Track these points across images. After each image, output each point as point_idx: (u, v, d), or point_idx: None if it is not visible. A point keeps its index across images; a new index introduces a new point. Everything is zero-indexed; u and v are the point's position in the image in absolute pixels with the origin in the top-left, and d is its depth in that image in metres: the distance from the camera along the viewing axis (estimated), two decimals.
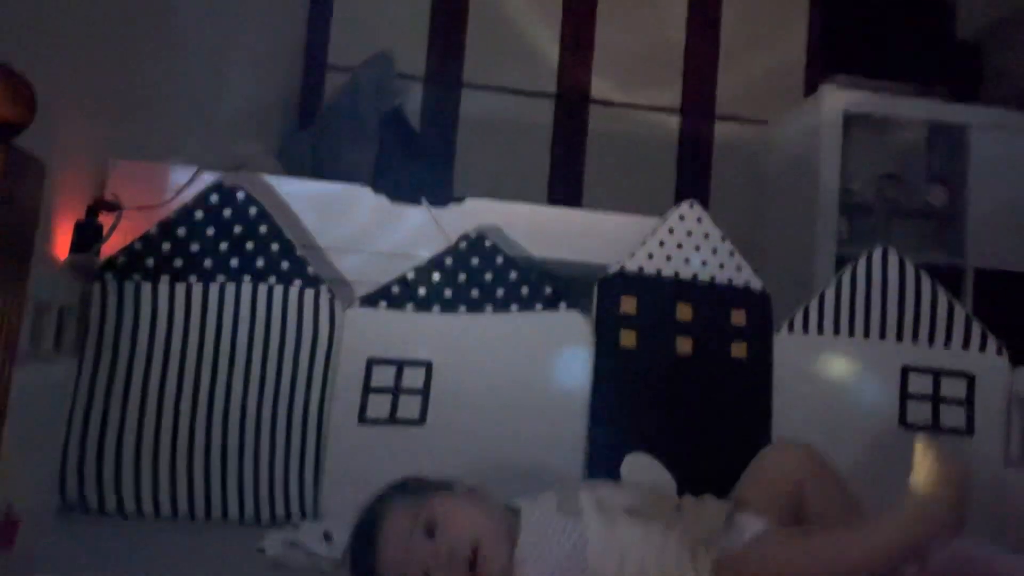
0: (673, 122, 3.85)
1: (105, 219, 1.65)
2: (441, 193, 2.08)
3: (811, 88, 3.86)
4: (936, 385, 1.92)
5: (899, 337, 1.94)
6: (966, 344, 1.95)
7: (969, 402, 1.94)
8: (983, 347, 1.96)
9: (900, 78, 3.99)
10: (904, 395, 1.92)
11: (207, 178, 1.80)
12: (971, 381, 1.94)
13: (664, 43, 3.87)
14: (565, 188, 3.75)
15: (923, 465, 1.27)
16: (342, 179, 3.17)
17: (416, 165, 3.37)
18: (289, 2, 3.38)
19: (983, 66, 4.03)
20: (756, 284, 2.00)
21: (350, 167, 3.25)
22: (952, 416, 1.92)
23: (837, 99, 3.23)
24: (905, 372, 1.93)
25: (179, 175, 1.81)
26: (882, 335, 1.94)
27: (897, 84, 3.95)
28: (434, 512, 1.32)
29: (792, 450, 1.59)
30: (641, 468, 1.56)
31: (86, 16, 1.59)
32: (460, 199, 2.04)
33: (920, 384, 1.93)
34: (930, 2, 4.11)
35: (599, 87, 3.83)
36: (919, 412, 1.92)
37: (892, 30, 4.10)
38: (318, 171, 3.21)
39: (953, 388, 1.93)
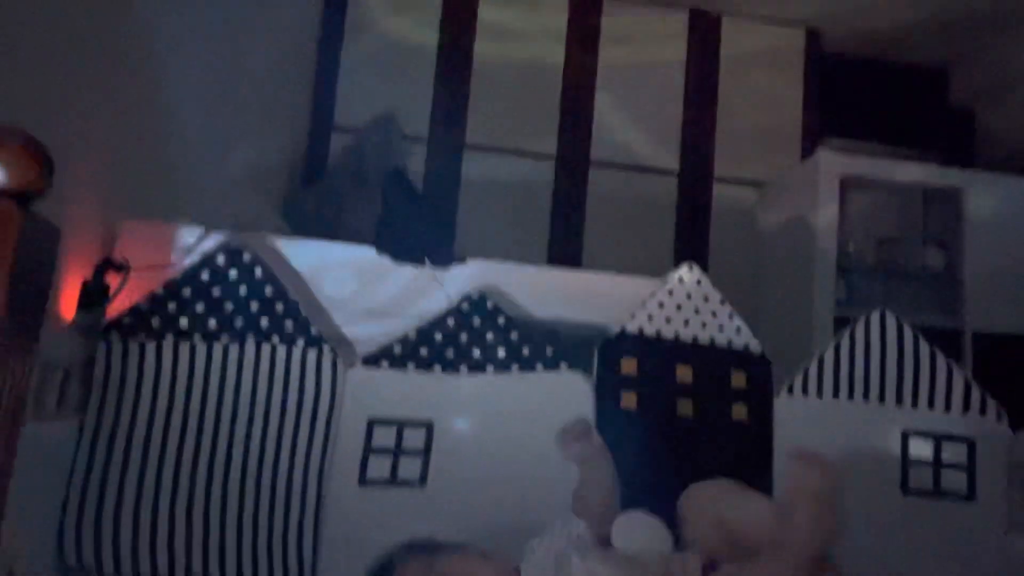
0: (671, 184, 3.90)
1: (112, 279, 1.67)
2: (444, 253, 2.11)
3: (807, 151, 3.92)
4: (937, 450, 1.92)
5: (899, 401, 1.95)
6: (966, 409, 1.96)
7: (970, 467, 1.93)
8: (983, 412, 1.96)
9: (895, 142, 4.07)
10: (905, 460, 1.92)
11: (215, 238, 1.82)
12: (972, 446, 1.94)
13: (663, 106, 3.94)
14: (565, 248, 3.78)
15: (791, 478, 1.33)
16: (345, 238, 3.22)
17: (419, 225, 3.41)
18: (297, 65, 3.46)
19: (976, 130, 4.11)
20: (755, 346, 2.01)
21: (353, 226, 3.29)
22: (954, 482, 1.92)
23: (833, 163, 3.28)
24: (906, 437, 1.93)
25: (187, 235, 1.83)
26: (882, 399, 1.95)
27: (892, 148, 4.02)
28: (451, 570, 1.32)
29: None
30: (633, 529, 1.55)
31: (97, 78, 1.62)
32: (463, 260, 2.06)
33: (921, 449, 1.92)
34: (924, 68, 4.21)
35: (599, 149, 3.88)
36: (921, 478, 1.91)
37: (886, 95, 4.19)
38: (322, 229, 3.24)
39: (954, 453, 1.93)
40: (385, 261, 1.99)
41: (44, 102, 1.39)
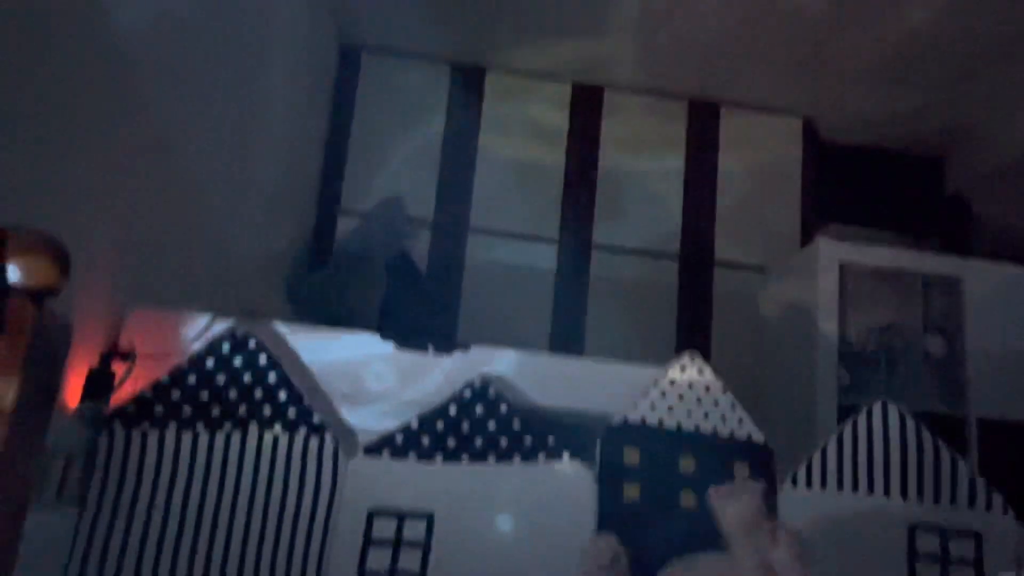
0: (673, 267, 3.94)
1: (118, 367, 1.68)
2: (446, 339, 2.12)
3: (807, 236, 3.97)
4: (944, 544, 1.90)
5: (904, 494, 1.93)
6: (972, 502, 1.94)
7: (978, 562, 1.90)
8: (989, 505, 1.95)
9: (893, 228, 4.12)
10: (912, 555, 1.89)
11: (221, 325, 1.84)
12: (979, 540, 1.91)
13: (664, 191, 4.02)
14: (567, 330, 3.80)
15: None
16: (349, 320, 3.24)
17: (422, 308, 3.44)
18: (306, 148, 3.54)
19: (973, 218, 4.16)
20: (758, 437, 2.01)
21: (357, 308, 3.32)
22: None
23: (832, 250, 3.32)
24: (912, 531, 1.91)
25: (194, 323, 1.85)
26: (887, 492, 1.93)
27: (891, 234, 4.07)
28: None
29: None
30: None
31: (106, 166, 1.66)
32: (465, 346, 2.07)
33: (928, 543, 1.90)
34: (919, 157, 4.29)
35: (601, 233, 3.94)
36: (928, 572, 1.88)
37: (883, 183, 4.26)
38: (326, 311, 3.27)
39: (961, 547, 1.90)
40: (390, 347, 2.00)
41: (55, 189, 1.43)
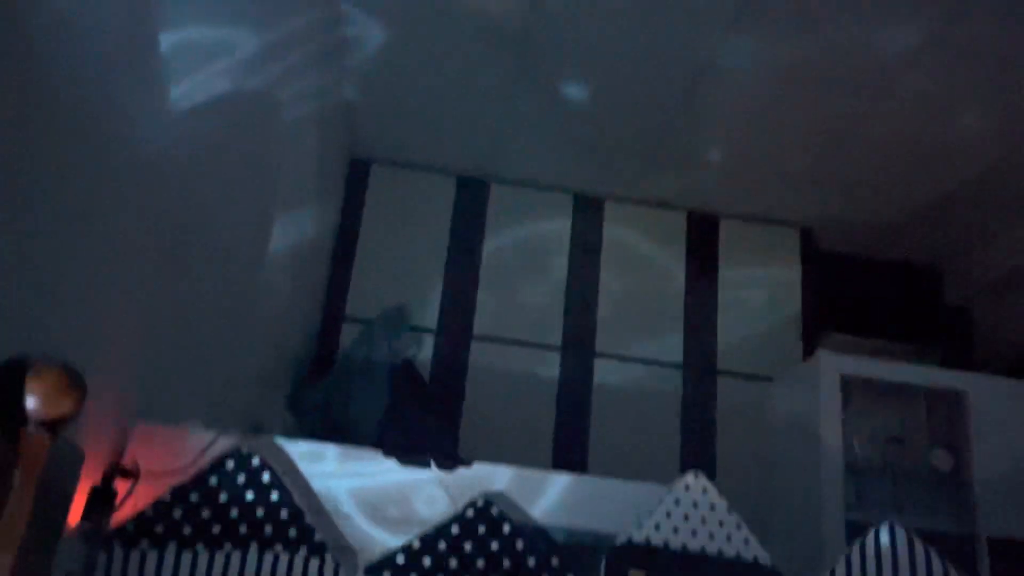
0: (676, 376, 3.95)
1: (121, 484, 1.68)
2: (449, 455, 2.12)
3: (809, 344, 3.99)
4: None
5: None
6: None
7: None
8: None
9: (894, 338, 4.14)
10: None
11: (225, 441, 1.84)
12: None
13: (665, 301, 4.06)
14: (570, 437, 3.77)
15: None
16: (351, 430, 3.23)
17: (425, 417, 3.43)
18: (313, 258, 3.60)
19: (975, 329, 4.19)
20: (764, 558, 1.97)
21: (360, 416, 3.32)
22: None
23: (833, 363, 3.34)
24: None
25: (198, 439, 1.86)
26: None
27: (893, 344, 4.08)
28: None
29: None
30: None
31: (112, 281, 1.69)
32: (467, 462, 2.07)
33: None
34: (916, 266, 4.35)
35: (603, 341, 3.96)
36: None
37: (882, 292, 4.31)
38: (328, 420, 3.26)
39: None
40: (393, 463, 2.00)
41: (64, 305, 1.45)
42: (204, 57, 1.89)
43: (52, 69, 1.26)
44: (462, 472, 2.03)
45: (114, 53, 1.47)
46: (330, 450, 1.93)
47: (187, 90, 1.81)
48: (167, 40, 1.67)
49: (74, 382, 1.03)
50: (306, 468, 1.89)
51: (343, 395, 3.36)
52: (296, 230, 3.10)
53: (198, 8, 1.83)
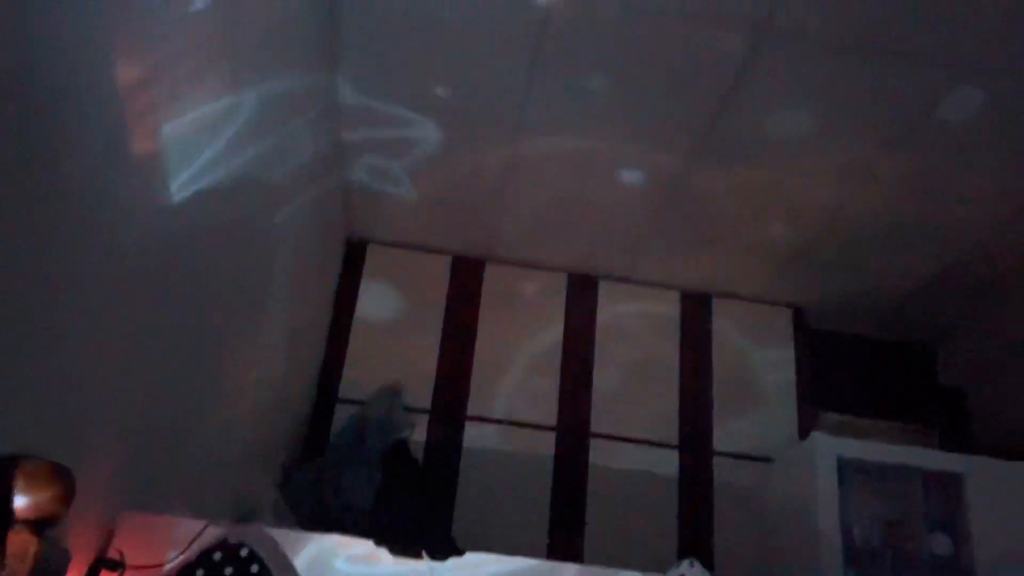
0: (672, 457, 3.91)
1: None
2: (442, 542, 2.09)
3: (805, 424, 3.97)
4: None
5: None
6: None
7: None
8: None
9: (890, 417, 4.13)
10: None
11: (213, 530, 1.81)
12: None
13: (660, 381, 4.05)
14: (565, 517, 3.71)
15: None
16: (344, 513, 3.18)
17: (418, 502, 3.39)
18: (308, 339, 3.60)
19: (971, 410, 4.17)
20: None
21: (352, 500, 3.27)
22: None
23: (829, 445, 3.32)
24: None
25: (185, 527, 1.83)
26: None
27: (888, 424, 4.07)
28: None
29: None
30: None
31: (97, 376, 1.68)
32: (460, 551, 2.03)
33: None
34: (910, 346, 4.36)
35: (599, 422, 3.94)
36: None
37: (877, 372, 4.31)
38: (320, 504, 3.22)
39: None
40: (384, 553, 1.97)
41: (52, 402, 1.45)
42: (202, 143, 1.93)
43: (50, 163, 1.29)
44: (455, 562, 2.00)
45: (111, 142, 1.50)
46: (326, 540, 1.90)
47: (184, 179, 1.84)
48: (166, 128, 1.71)
49: (64, 483, 1.03)
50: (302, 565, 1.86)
51: (335, 478, 3.32)
52: (290, 311, 3.11)
53: (197, 95, 1.87)
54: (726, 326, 4.21)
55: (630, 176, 3.43)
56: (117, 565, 1.65)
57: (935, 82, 2.77)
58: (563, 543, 3.60)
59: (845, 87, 2.84)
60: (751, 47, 2.71)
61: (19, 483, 0.98)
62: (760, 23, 2.62)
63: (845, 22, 2.60)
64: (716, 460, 3.93)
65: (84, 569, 1.65)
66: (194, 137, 1.88)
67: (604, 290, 4.22)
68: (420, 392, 3.85)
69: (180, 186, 1.81)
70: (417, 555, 2.00)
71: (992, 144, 3.01)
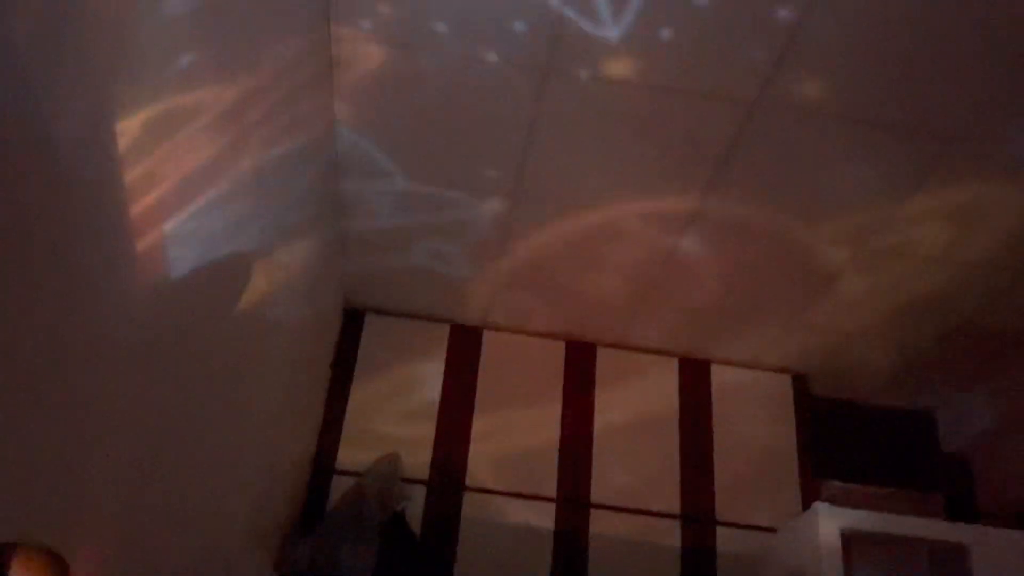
0: (674, 527, 3.86)
1: None
2: None
3: (808, 493, 3.92)
4: None
5: None
6: None
7: None
8: None
9: (893, 484, 4.08)
10: None
11: None
12: None
13: (660, 450, 4.01)
14: None
15: None
16: None
17: (416, 573, 3.33)
18: (305, 409, 3.59)
19: (974, 478, 4.13)
20: None
21: (350, 572, 3.21)
22: None
23: (832, 517, 3.27)
24: None
25: None
26: None
27: (892, 492, 4.02)
28: None
29: None
30: None
31: (92, 459, 1.67)
32: None
33: None
34: (912, 413, 4.34)
35: (599, 492, 3.89)
36: None
37: (879, 439, 4.28)
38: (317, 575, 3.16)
39: None
40: None
41: (42, 486, 1.43)
42: (201, 217, 1.95)
43: (48, 242, 1.30)
44: None
45: (111, 222, 1.52)
46: None
47: (181, 253, 1.86)
48: (165, 205, 1.73)
49: (58, 570, 1.01)
50: None
51: (332, 552, 3.27)
52: (288, 382, 3.10)
53: (197, 171, 1.90)
54: (726, 393, 4.19)
55: (626, 244, 3.46)
56: None
57: (927, 154, 2.83)
58: None
59: (840, 155, 2.90)
60: (743, 120, 2.78)
61: (14, 570, 0.97)
62: (750, 99, 2.69)
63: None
64: (719, 531, 3.88)
65: None
66: (193, 212, 1.90)
67: (602, 356, 4.21)
68: (418, 463, 3.81)
69: (177, 260, 1.82)
70: None
71: (983, 214, 3.05)
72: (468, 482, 3.83)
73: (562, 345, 4.20)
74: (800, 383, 4.26)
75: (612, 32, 2.52)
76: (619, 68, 2.65)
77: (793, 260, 3.44)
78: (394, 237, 3.55)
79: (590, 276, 3.72)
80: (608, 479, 3.93)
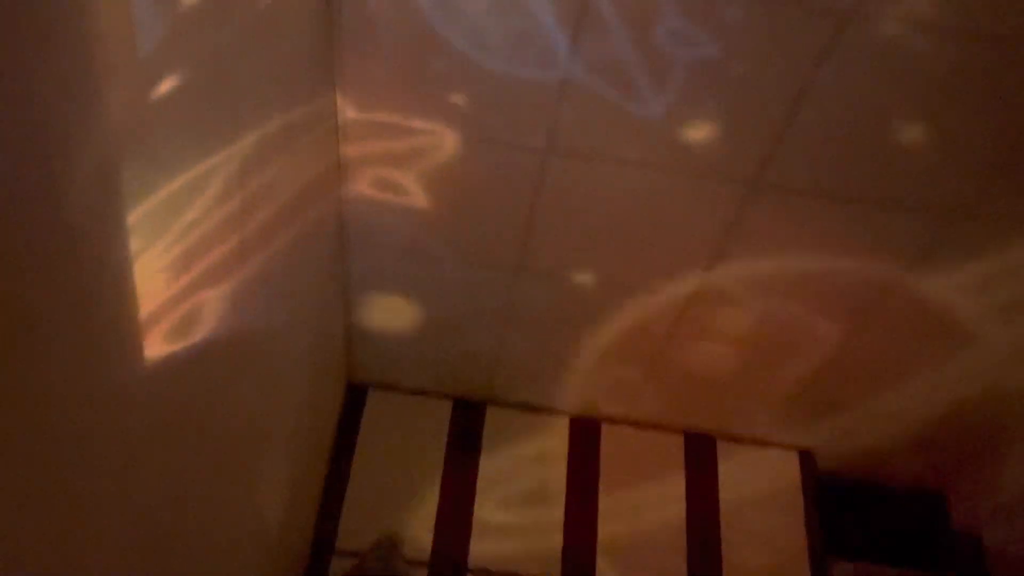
0: None
1: None
2: None
3: (817, 573, 3.84)
4: None
5: None
6: None
7: None
8: None
9: (904, 564, 3.99)
10: None
11: None
12: None
13: (667, 527, 3.95)
14: None
15: None
16: None
17: None
18: (305, 488, 3.53)
19: (987, 557, 4.05)
20: None
21: None
22: None
23: None
24: None
25: None
26: None
27: (903, 571, 3.93)
28: None
29: None
30: None
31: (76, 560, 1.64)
32: None
33: None
34: (921, 490, 4.27)
35: (604, 571, 3.81)
36: None
37: (888, 517, 4.21)
38: None
39: None
40: None
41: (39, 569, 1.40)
42: (206, 293, 1.94)
43: (47, 319, 1.29)
44: None
45: (117, 299, 1.52)
46: None
47: (185, 336, 1.85)
48: (169, 280, 1.73)
49: None
50: None
51: None
52: (288, 461, 3.06)
53: (204, 249, 1.90)
54: (731, 470, 4.14)
55: (626, 318, 3.47)
56: None
57: (923, 226, 2.85)
58: None
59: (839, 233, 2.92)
60: (741, 201, 2.80)
61: None
62: (749, 179, 2.72)
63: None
64: None
65: None
66: (196, 289, 1.90)
67: (606, 432, 4.17)
68: (420, 542, 3.75)
69: (172, 335, 1.81)
70: None
71: (991, 287, 3.06)
72: (470, 563, 3.75)
73: (566, 421, 4.16)
74: (807, 460, 4.21)
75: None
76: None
77: (797, 331, 3.43)
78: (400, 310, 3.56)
79: (590, 351, 3.72)
80: (613, 558, 3.85)
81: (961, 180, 2.66)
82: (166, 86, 1.47)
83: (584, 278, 3.25)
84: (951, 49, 2.28)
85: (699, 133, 2.60)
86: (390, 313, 3.57)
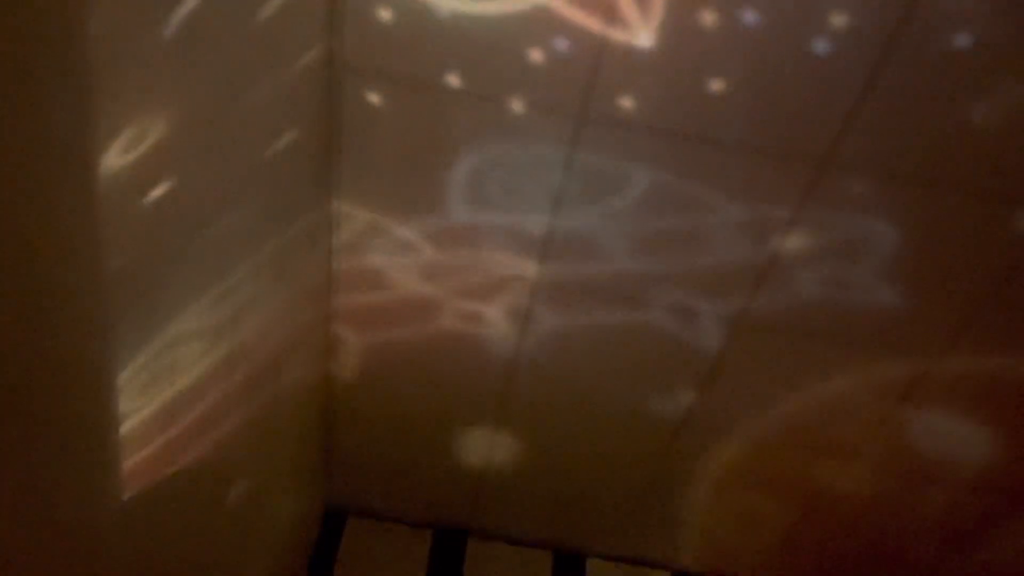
0: None
1: None
2: None
3: None
4: None
5: None
6: None
7: None
8: None
9: None
10: None
11: None
12: None
13: None
14: None
15: None
16: None
17: None
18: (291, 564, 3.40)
19: None
20: None
21: None
22: None
23: None
24: None
25: None
26: None
27: None
28: None
29: None
30: None
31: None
32: None
33: None
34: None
35: None
36: None
37: None
38: None
39: None
40: None
41: None
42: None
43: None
44: None
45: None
46: None
47: (165, 466, 1.82)
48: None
49: None
50: None
51: None
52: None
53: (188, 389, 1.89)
54: None
55: (618, 448, 3.44)
56: None
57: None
58: None
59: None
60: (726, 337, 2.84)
61: None
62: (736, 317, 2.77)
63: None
64: None
65: None
66: (183, 425, 1.88)
67: (592, 569, 4.05)
68: None
69: (152, 480, 1.78)
70: None
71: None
72: None
73: (549, 556, 4.05)
74: None
75: None
76: None
77: (781, 469, 3.39)
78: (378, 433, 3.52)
79: (580, 482, 3.66)
80: None
81: None
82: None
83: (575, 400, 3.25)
84: None
85: None
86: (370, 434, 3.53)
